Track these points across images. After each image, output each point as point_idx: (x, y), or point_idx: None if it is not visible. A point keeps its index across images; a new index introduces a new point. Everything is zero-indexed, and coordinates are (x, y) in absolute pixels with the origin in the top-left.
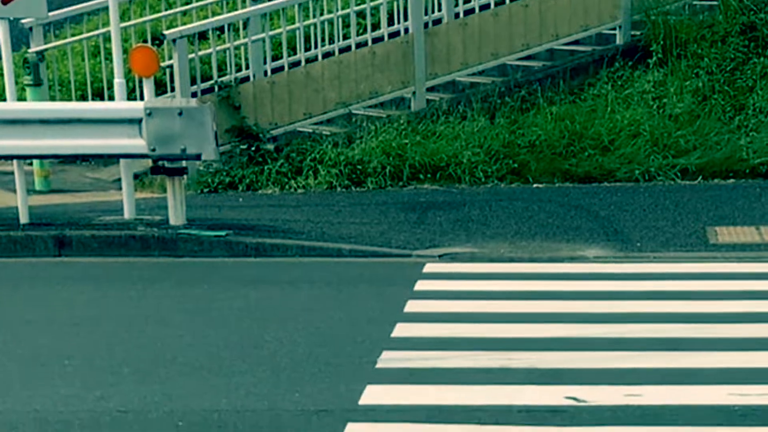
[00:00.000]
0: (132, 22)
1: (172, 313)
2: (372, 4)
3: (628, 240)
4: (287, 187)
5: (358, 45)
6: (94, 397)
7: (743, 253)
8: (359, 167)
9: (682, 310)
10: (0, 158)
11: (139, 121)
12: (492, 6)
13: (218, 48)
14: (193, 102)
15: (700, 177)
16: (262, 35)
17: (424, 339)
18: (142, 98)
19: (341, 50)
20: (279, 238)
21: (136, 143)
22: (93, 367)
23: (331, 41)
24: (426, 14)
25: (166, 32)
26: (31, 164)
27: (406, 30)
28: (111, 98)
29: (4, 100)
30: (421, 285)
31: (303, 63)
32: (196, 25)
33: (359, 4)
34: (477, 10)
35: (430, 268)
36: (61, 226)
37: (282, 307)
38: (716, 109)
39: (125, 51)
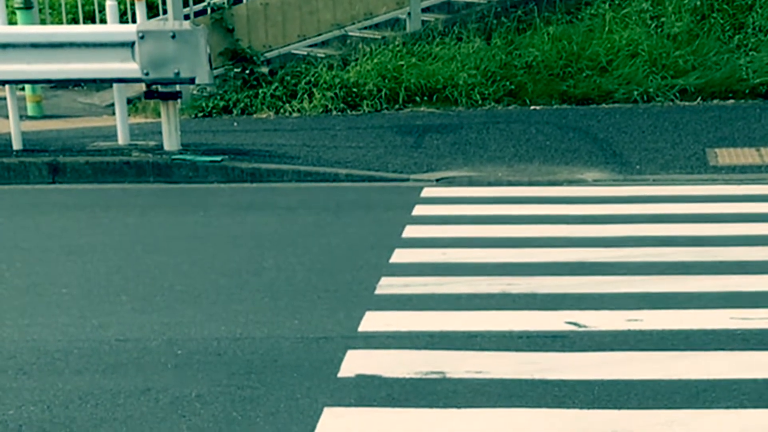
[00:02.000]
0: None
1: (168, 241)
2: None
3: (627, 162)
4: (282, 111)
5: None
6: (92, 326)
7: (743, 175)
8: (354, 90)
9: (683, 233)
10: None
11: (132, 44)
12: None
13: None
14: (186, 24)
15: (699, 98)
16: None
17: (422, 264)
18: (134, 21)
19: None
20: (275, 163)
21: (129, 67)
22: (90, 295)
23: None
24: None
25: None
26: (23, 90)
27: None
28: (103, 21)
29: None
30: (419, 210)
31: None
32: None
33: None
34: None
35: (427, 192)
36: (54, 153)
37: (279, 233)
38: (715, 28)
39: None
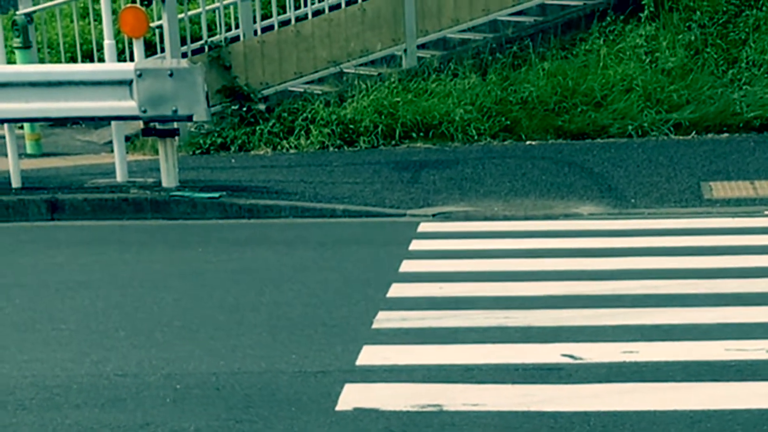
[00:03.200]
0: None
1: (167, 276)
2: None
3: (622, 196)
4: (279, 147)
5: (348, 2)
6: (91, 361)
7: (738, 208)
8: (351, 126)
9: (678, 266)
10: None
11: (130, 82)
12: None
13: (208, 7)
14: (184, 63)
15: (694, 132)
16: None
17: (419, 299)
18: (131, 59)
19: (331, 8)
20: (272, 199)
21: (127, 105)
22: (89, 331)
23: None
24: None
25: None
26: (21, 128)
27: None
28: (101, 60)
29: None
30: (415, 245)
31: (293, 21)
32: None
33: None
34: None
35: (424, 227)
36: (53, 190)
37: (277, 268)
38: (709, 62)
39: (114, 12)
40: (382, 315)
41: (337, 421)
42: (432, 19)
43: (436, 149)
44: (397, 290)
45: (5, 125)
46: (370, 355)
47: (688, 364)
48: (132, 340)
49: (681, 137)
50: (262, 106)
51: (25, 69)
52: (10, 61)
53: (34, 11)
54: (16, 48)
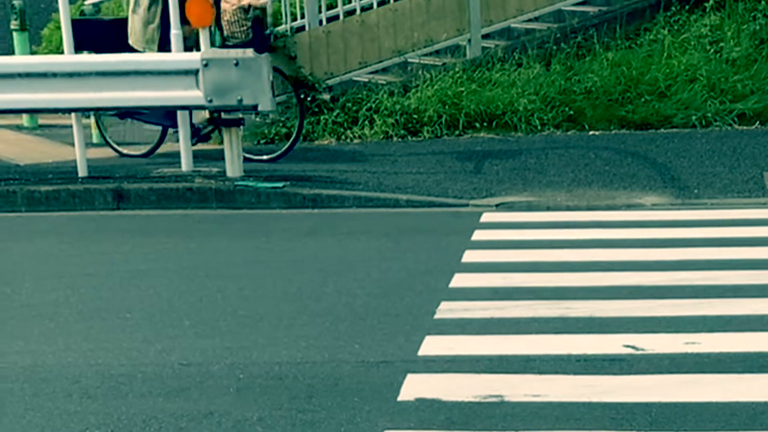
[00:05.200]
0: None
1: (231, 266)
2: None
3: (686, 187)
4: (343, 137)
5: None
6: (155, 350)
7: None
8: (415, 116)
9: (741, 256)
10: (59, 111)
11: (196, 72)
12: None
13: None
14: (250, 53)
15: (757, 122)
16: None
17: (482, 289)
18: (198, 49)
19: None
20: (336, 189)
21: (194, 94)
22: (153, 320)
23: None
24: None
25: None
26: (88, 117)
27: None
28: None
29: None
30: (478, 235)
31: (358, 11)
32: None
33: None
34: None
35: (487, 217)
36: (119, 179)
37: (340, 258)
38: None
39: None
40: (444, 305)
41: (399, 412)
42: (496, 9)
43: (499, 139)
44: (459, 280)
45: (72, 115)
46: (432, 346)
47: (750, 356)
48: (196, 330)
49: (744, 127)
50: (326, 96)
51: (93, 59)
52: (10, 45)
53: (101, 1)
54: (14, 30)
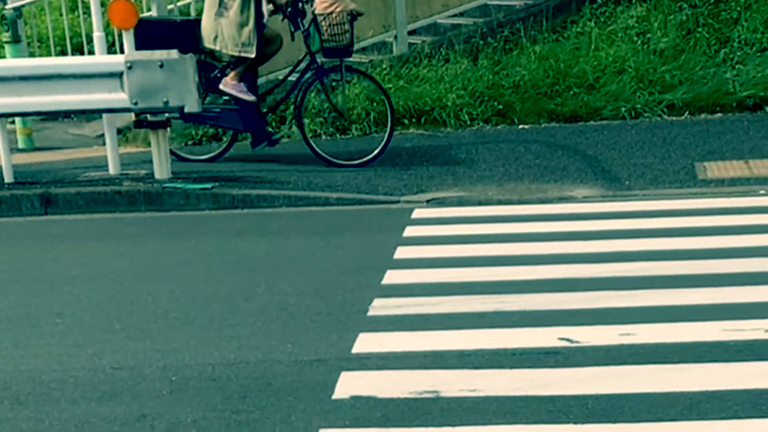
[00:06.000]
0: None
1: (161, 268)
2: None
3: (617, 178)
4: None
5: None
6: (86, 355)
7: (733, 188)
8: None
9: (673, 247)
10: None
11: (120, 74)
12: None
13: None
14: (174, 54)
15: (687, 112)
16: None
17: (415, 285)
18: (122, 51)
19: None
20: (265, 189)
21: (118, 97)
22: (84, 324)
23: None
24: None
25: None
26: (13, 122)
27: None
28: (91, 53)
29: None
30: (410, 231)
31: None
32: None
33: None
34: None
35: (418, 213)
36: (46, 184)
37: (271, 258)
38: (701, 42)
39: (103, 4)
40: (377, 302)
41: (334, 410)
42: (422, 5)
43: (428, 135)
44: (392, 277)
45: None
46: (366, 343)
47: (686, 346)
48: (128, 333)
49: (674, 118)
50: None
51: (15, 63)
52: (0, 56)
53: (23, 5)
54: (6, 42)
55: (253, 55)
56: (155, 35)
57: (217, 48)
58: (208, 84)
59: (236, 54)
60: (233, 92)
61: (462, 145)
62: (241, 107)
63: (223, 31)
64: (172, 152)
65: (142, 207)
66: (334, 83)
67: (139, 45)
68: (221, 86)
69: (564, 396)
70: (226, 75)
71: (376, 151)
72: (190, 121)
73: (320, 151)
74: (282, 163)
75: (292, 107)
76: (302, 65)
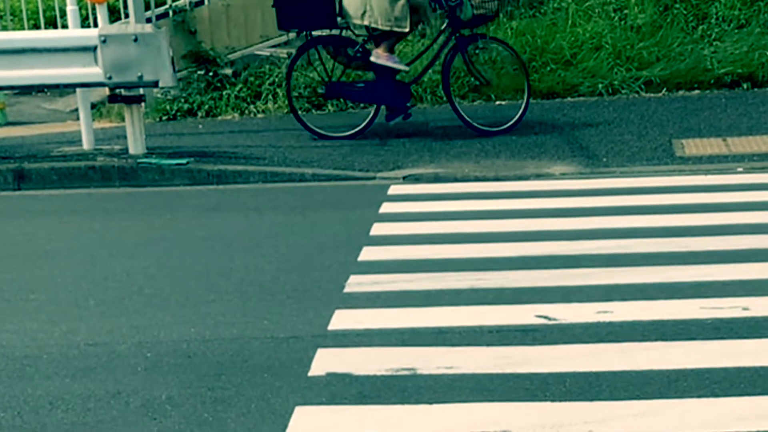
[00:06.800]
0: None
1: (136, 244)
2: None
3: (594, 155)
4: (247, 112)
5: None
6: (60, 331)
7: (710, 165)
8: (319, 90)
9: (651, 224)
10: None
11: (94, 48)
12: None
13: None
14: (148, 28)
15: (665, 89)
16: None
17: (391, 262)
18: (96, 25)
19: None
20: (240, 165)
21: (92, 71)
22: (58, 300)
23: None
24: None
25: None
26: None
27: None
28: (64, 26)
29: None
30: (386, 207)
31: None
32: None
33: None
34: None
35: (394, 190)
36: (19, 159)
37: (247, 234)
38: (678, 19)
39: None
40: (353, 279)
41: (310, 387)
42: None
43: None
44: (368, 254)
45: None
46: (342, 320)
47: (664, 323)
48: (102, 309)
49: (652, 95)
50: (228, 71)
51: None
52: None
53: None
54: None
55: (407, 30)
56: (295, 14)
57: (366, 23)
58: (348, 59)
59: (387, 29)
60: (388, 63)
61: (438, 121)
62: (386, 80)
63: (372, 6)
64: (309, 129)
65: (117, 182)
66: (476, 51)
67: (281, 24)
68: (373, 59)
69: (541, 373)
70: (367, 50)
71: (515, 117)
72: (332, 98)
73: (467, 118)
74: (258, 139)
75: (267, 82)
76: (441, 38)
